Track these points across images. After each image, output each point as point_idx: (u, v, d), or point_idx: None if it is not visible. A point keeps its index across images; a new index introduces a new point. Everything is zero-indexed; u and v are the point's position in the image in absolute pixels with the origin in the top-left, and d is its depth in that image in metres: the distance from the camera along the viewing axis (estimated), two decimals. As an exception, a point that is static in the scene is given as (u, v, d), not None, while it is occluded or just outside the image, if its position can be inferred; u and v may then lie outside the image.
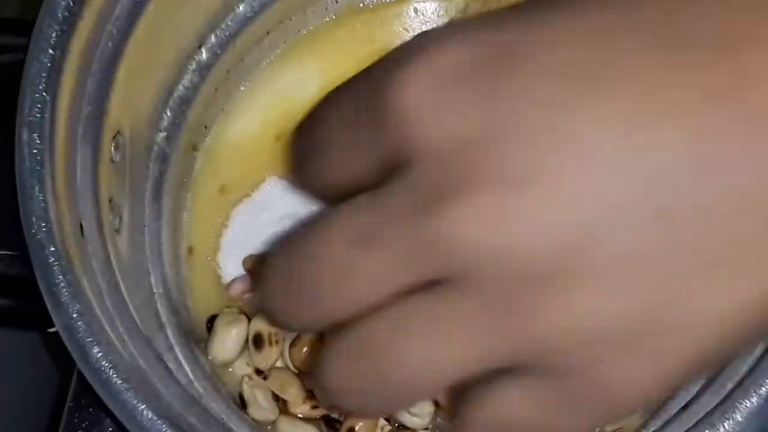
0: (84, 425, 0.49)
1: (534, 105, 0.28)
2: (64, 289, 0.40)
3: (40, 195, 0.41)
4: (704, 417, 0.39)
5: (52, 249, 0.40)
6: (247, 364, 0.49)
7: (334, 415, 0.48)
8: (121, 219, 0.46)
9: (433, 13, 0.54)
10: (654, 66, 0.28)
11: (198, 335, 0.50)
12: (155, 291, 0.49)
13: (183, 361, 0.47)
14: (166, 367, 0.44)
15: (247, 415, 0.48)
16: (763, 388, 0.39)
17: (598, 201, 0.28)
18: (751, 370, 0.40)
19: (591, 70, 0.28)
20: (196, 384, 0.47)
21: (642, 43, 0.29)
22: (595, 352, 0.29)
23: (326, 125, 0.34)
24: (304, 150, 0.36)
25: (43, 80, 0.42)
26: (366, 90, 0.31)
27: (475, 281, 0.29)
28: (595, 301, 0.28)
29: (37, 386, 0.57)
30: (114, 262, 0.44)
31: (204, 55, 0.52)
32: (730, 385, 0.40)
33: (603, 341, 0.29)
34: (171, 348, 0.47)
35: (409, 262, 0.29)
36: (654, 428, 0.42)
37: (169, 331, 0.48)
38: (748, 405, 0.39)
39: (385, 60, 0.31)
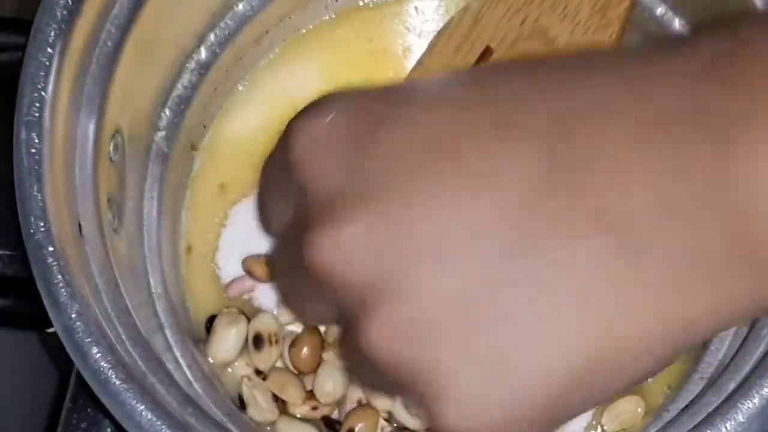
0: (83, 426, 0.49)
1: (379, 167, 0.35)
2: (63, 289, 0.40)
3: (39, 195, 0.40)
4: (706, 418, 0.39)
5: (51, 249, 0.40)
6: (247, 365, 0.49)
7: (334, 416, 0.48)
8: (119, 219, 0.46)
9: (433, 12, 0.54)
10: (488, 145, 0.34)
11: (197, 335, 0.50)
12: (154, 291, 0.48)
13: (182, 362, 0.47)
14: (165, 368, 0.44)
15: (247, 415, 0.48)
16: (765, 389, 0.39)
17: (407, 246, 0.34)
18: (753, 371, 0.40)
19: (430, 149, 0.35)
20: (195, 385, 0.47)
21: (477, 126, 0.35)
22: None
23: (263, 174, 0.41)
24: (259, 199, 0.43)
25: (42, 79, 0.41)
26: (280, 140, 0.38)
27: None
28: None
29: (36, 386, 0.57)
30: (113, 261, 0.44)
31: (203, 54, 0.51)
32: (732, 386, 0.40)
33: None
34: (170, 348, 0.47)
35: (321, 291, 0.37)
36: (656, 429, 0.42)
37: (168, 332, 0.48)
38: (750, 406, 0.38)
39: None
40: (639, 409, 0.48)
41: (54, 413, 0.50)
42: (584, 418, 0.48)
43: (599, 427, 0.48)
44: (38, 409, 0.56)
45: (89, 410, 0.49)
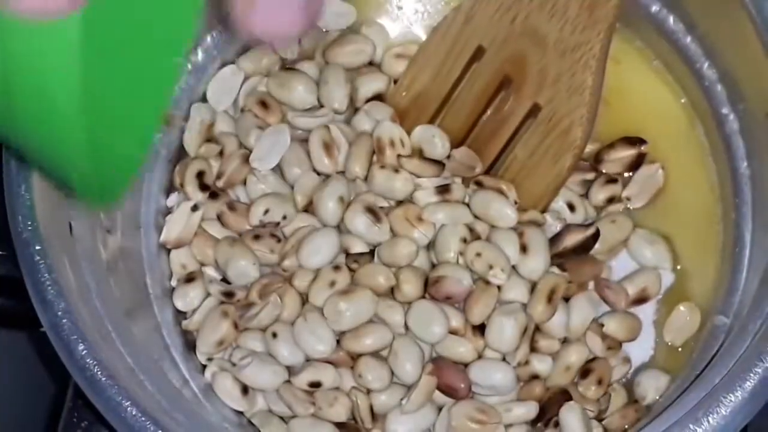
0: (83, 425, 0.49)
1: None
2: (50, 287, 0.40)
3: (26, 194, 0.41)
4: (689, 412, 0.39)
5: (38, 247, 0.40)
6: None
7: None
8: (114, 219, 0.46)
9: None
10: None
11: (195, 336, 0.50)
12: (151, 292, 0.48)
13: (179, 362, 0.47)
14: (158, 366, 0.44)
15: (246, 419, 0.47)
16: (747, 383, 0.38)
17: None
18: (736, 366, 0.39)
19: None
20: (192, 384, 0.47)
21: None
22: None
23: None
24: None
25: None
26: None
27: None
28: None
29: (37, 386, 0.58)
30: (105, 261, 0.44)
31: (200, 56, 0.51)
32: (717, 380, 0.40)
33: None
34: (167, 348, 0.47)
35: None
36: (642, 424, 0.42)
37: (165, 332, 0.48)
38: (733, 399, 0.38)
39: None
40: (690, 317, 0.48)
41: (54, 412, 0.50)
42: (650, 337, 0.48)
43: (665, 344, 0.48)
44: (39, 408, 0.57)
45: (89, 410, 0.49)
